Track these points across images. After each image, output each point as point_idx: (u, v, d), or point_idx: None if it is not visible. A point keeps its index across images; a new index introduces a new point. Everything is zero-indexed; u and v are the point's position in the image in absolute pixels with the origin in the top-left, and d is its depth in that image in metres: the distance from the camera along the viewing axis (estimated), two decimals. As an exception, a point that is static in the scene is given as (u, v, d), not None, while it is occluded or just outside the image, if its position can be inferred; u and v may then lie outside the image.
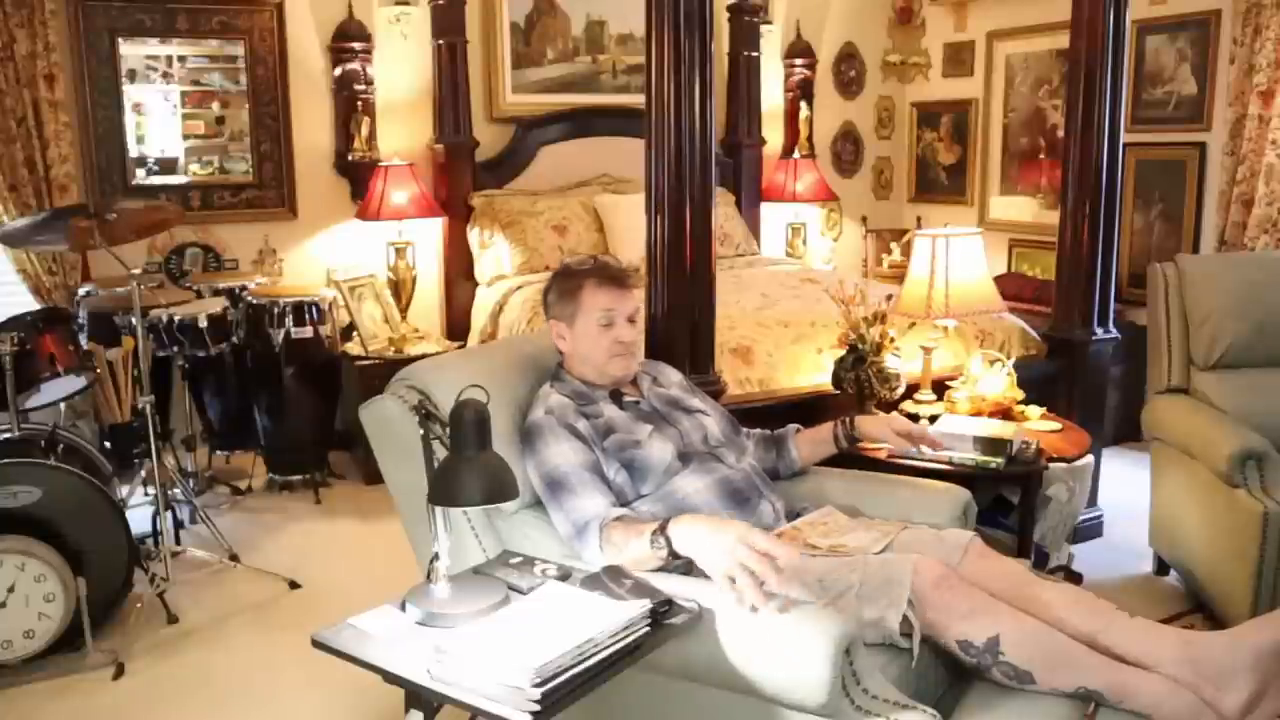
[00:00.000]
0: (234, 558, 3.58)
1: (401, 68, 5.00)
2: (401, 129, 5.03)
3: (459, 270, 5.07)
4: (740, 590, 1.77)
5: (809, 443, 2.54)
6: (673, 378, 2.51)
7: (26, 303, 4.24)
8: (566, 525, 2.08)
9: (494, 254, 4.91)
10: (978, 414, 3.21)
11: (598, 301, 2.27)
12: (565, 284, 2.32)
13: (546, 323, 2.40)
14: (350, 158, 4.89)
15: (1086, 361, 3.72)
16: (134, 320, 3.35)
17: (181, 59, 4.71)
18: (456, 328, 5.07)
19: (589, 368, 2.31)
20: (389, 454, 2.28)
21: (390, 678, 1.66)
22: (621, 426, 2.24)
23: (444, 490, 1.77)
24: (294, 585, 3.45)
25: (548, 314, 2.37)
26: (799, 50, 5.91)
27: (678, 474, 2.21)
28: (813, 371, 3.50)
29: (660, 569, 1.94)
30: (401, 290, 4.73)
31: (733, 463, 2.31)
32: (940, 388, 3.37)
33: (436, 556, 1.87)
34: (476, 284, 5.02)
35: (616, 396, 2.33)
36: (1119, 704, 1.90)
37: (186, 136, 4.77)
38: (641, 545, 1.93)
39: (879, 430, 2.50)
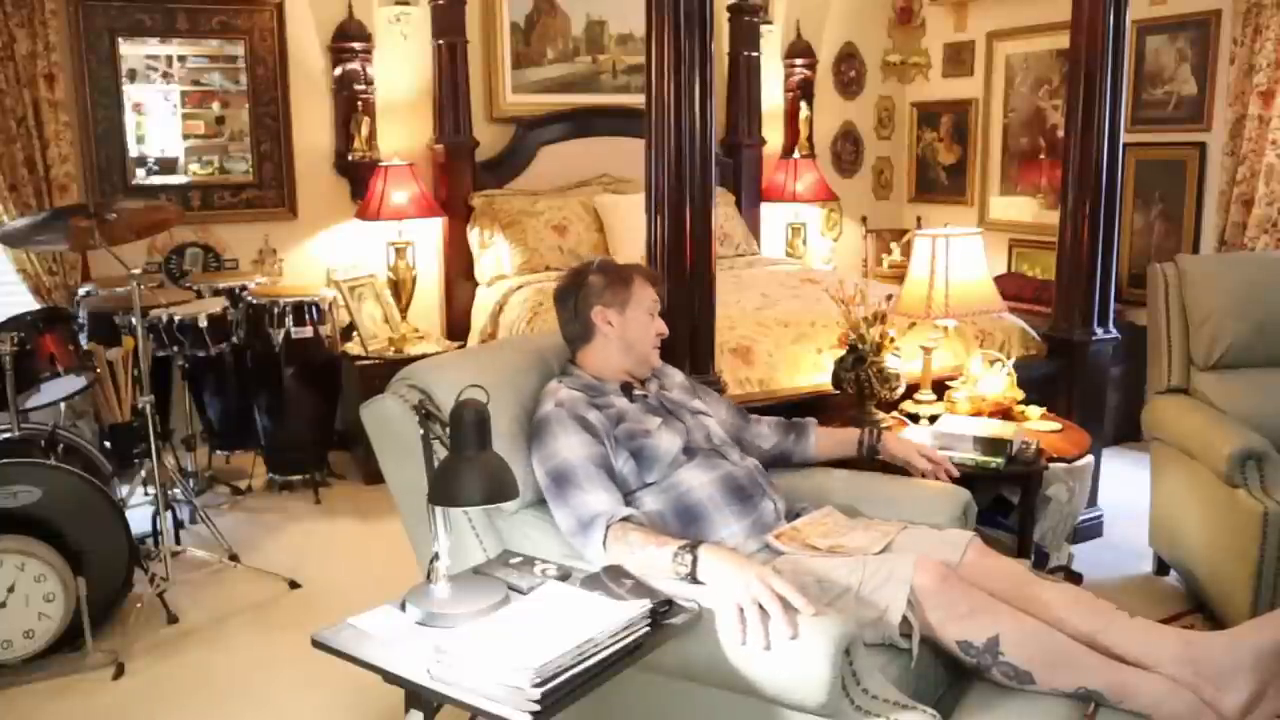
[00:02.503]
0: (234, 558, 3.58)
1: (401, 68, 5.00)
2: (401, 129, 5.03)
3: (459, 270, 5.06)
4: (746, 622, 1.77)
5: (830, 438, 2.62)
6: (675, 379, 2.53)
7: (26, 303, 4.24)
8: (570, 520, 2.08)
9: (494, 254, 4.91)
10: (978, 414, 3.21)
11: (647, 294, 2.40)
12: (616, 275, 2.41)
13: (586, 310, 2.36)
14: (350, 158, 4.89)
15: (1086, 361, 3.72)
16: (134, 320, 3.35)
17: (181, 59, 4.70)
18: (456, 328, 5.06)
19: (630, 356, 2.37)
20: (389, 453, 2.28)
21: (390, 678, 1.66)
22: (632, 417, 2.27)
23: (444, 490, 1.77)
24: (294, 585, 3.45)
25: (592, 301, 2.35)
26: (799, 50, 5.91)
27: (682, 466, 2.23)
28: (813, 371, 3.50)
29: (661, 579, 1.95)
30: (401, 290, 4.73)
31: (736, 460, 2.34)
32: (940, 388, 3.37)
33: (436, 556, 1.87)
34: (476, 284, 5.02)
35: (627, 390, 2.36)
36: (1119, 704, 1.90)
37: (186, 136, 4.77)
38: (662, 555, 1.92)
39: (905, 451, 2.58)
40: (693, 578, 1.88)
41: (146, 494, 3.64)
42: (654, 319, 2.40)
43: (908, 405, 3.32)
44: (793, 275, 4.74)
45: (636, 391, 2.37)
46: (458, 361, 2.48)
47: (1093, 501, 3.76)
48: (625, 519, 2.04)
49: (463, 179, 5.01)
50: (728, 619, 1.80)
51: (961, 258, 3.22)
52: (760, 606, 1.78)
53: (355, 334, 4.58)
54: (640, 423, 2.25)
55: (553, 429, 2.17)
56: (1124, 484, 4.02)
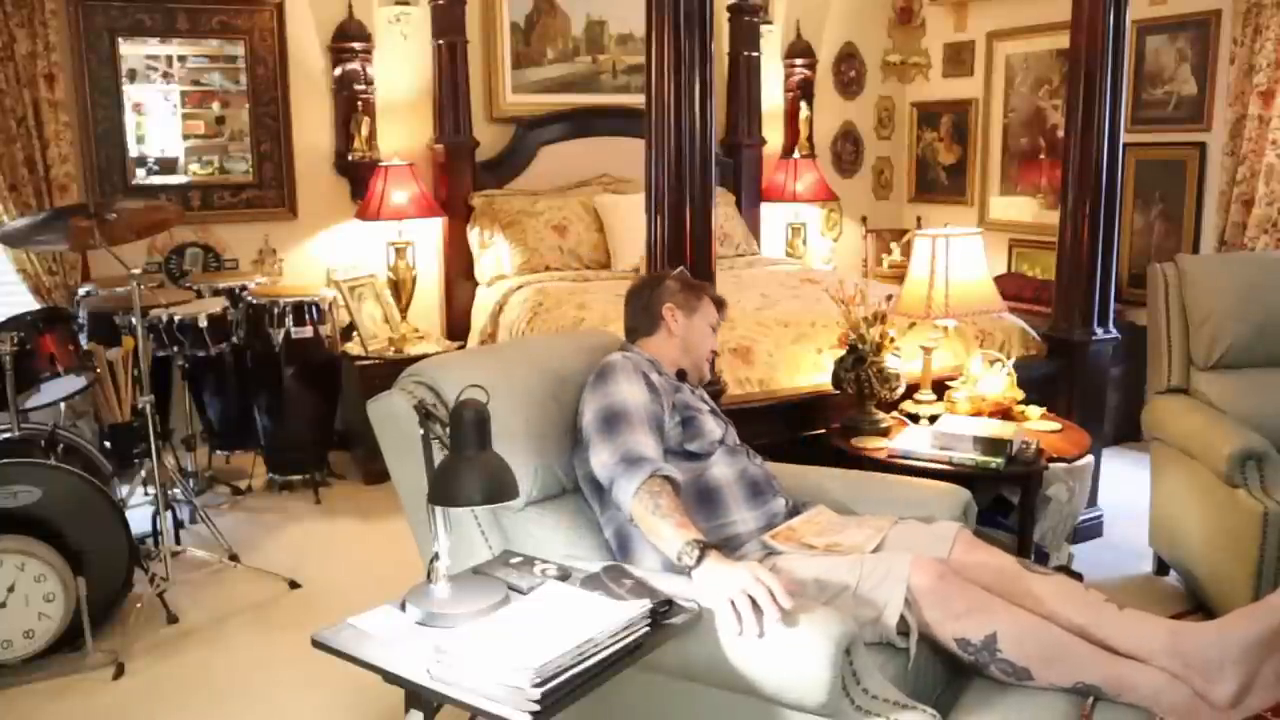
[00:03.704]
0: (234, 558, 3.58)
1: (401, 68, 5.00)
2: (401, 129, 5.03)
3: (459, 270, 5.06)
4: (738, 612, 1.78)
5: None
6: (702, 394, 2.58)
7: (26, 303, 4.24)
8: (615, 455, 2.08)
9: (494, 254, 4.91)
10: (978, 414, 3.20)
11: (713, 311, 2.56)
12: (691, 286, 2.57)
13: (659, 303, 2.47)
14: (350, 158, 4.89)
15: (1086, 361, 3.72)
16: (134, 320, 3.35)
17: (181, 59, 4.70)
18: (456, 328, 5.06)
19: (687, 358, 2.48)
20: (395, 450, 2.27)
21: (390, 678, 1.66)
22: (684, 392, 2.37)
23: (443, 490, 1.77)
24: (294, 585, 3.45)
25: (664, 297, 2.48)
26: (799, 50, 5.91)
27: (715, 452, 2.30)
28: (813, 371, 3.50)
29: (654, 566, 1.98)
30: (401, 290, 4.73)
31: (758, 463, 2.41)
32: (940, 388, 3.37)
33: (437, 556, 1.87)
34: (476, 284, 5.02)
35: (680, 377, 2.44)
36: (1117, 697, 1.91)
37: (186, 136, 4.77)
38: (676, 535, 1.93)
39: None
40: (688, 572, 1.89)
41: (146, 494, 3.64)
42: (713, 334, 2.55)
43: (908, 405, 3.32)
44: (793, 275, 4.74)
45: (685, 384, 2.45)
46: (468, 360, 2.49)
47: (1093, 501, 3.76)
48: (667, 478, 2.05)
49: (463, 179, 5.01)
50: (721, 614, 1.81)
51: (961, 258, 3.22)
52: (751, 599, 1.78)
53: (355, 334, 4.58)
54: (690, 403, 2.35)
55: (617, 375, 2.23)
56: (1124, 484, 4.02)
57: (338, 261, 4.99)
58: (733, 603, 1.79)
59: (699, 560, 1.88)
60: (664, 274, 2.61)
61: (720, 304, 2.60)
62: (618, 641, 1.66)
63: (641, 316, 2.50)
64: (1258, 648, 1.90)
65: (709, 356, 2.56)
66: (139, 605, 3.22)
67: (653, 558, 2.07)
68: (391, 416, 2.23)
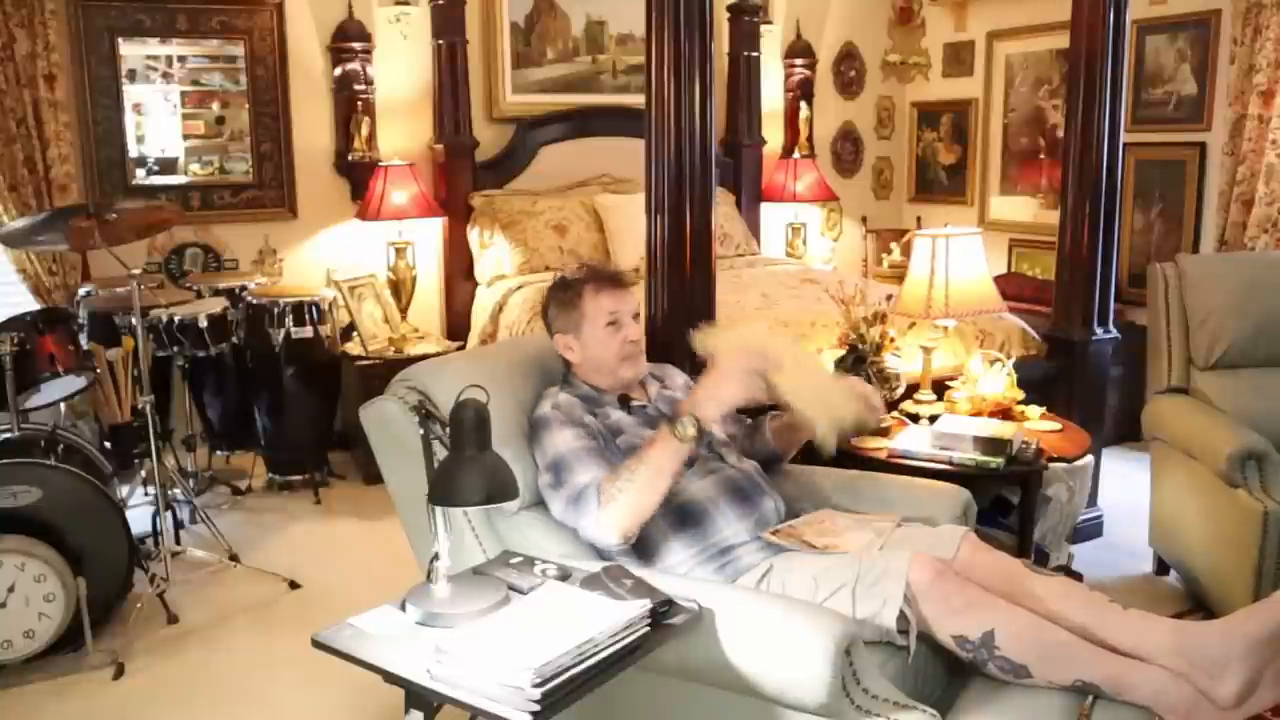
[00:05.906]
0: (234, 558, 3.58)
1: (401, 68, 5.00)
2: (401, 129, 5.03)
3: (459, 270, 5.06)
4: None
5: (781, 426, 2.56)
6: (678, 380, 2.53)
7: (26, 303, 4.24)
8: (561, 502, 2.10)
9: (494, 254, 4.91)
10: (978, 414, 3.20)
11: (601, 305, 2.28)
12: (564, 295, 2.33)
13: (550, 338, 2.38)
14: (350, 158, 4.89)
15: (1086, 361, 3.72)
16: (134, 320, 3.35)
17: (181, 59, 4.70)
18: (456, 328, 5.06)
19: (602, 374, 2.32)
20: (389, 455, 2.28)
21: (390, 678, 1.66)
22: (630, 430, 2.25)
23: (444, 490, 1.77)
24: (294, 585, 3.45)
25: (551, 329, 2.36)
26: (799, 50, 5.91)
27: (682, 477, 2.20)
28: (813, 371, 3.50)
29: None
30: (401, 290, 4.73)
31: (734, 462, 2.34)
32: (940, 388, 3.37)
33: (436, 556, 1.87)
34: (476, 284, 5.02)
35: (624, 402, 2.34)
36: (1117, 696, 1.90)
37: (186, 136, 4.77)
38: (659, 453, 2.01)
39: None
40: (700, 427, 2.00)
41: (146, 494, 3.65)
42: (618, 328, 2.28)
43: (908, 405, 3.32)
44: (793, 275, 4.74)
45: (635, 403, 2.35)
46: (457, 364, 2.48)
47: (1093, 501, 3.76)
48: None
49: (463, 179, 5.01)
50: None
51: (961, 258, 3.22)
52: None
53: (355, 334, 4.58)
54: (639, 437, 2.23)
55: (550, 427, 2.19)
56: (1124, 484, 4.02)
57: (338, 261, 4.98)
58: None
59: (694, 419, 1.99)
60: (548, 296, 2.37)
61: (613, 283, 2.30)
62: (618, 641, 1.66)
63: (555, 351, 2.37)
64: (1263, 646, 1.89)
65: (626, 352, 2.28)
66: (139, 605, 3.22)
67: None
68: (385, 421, 2.24)
